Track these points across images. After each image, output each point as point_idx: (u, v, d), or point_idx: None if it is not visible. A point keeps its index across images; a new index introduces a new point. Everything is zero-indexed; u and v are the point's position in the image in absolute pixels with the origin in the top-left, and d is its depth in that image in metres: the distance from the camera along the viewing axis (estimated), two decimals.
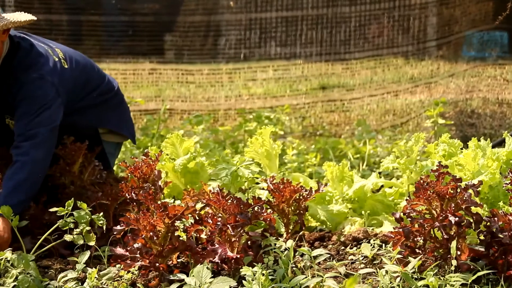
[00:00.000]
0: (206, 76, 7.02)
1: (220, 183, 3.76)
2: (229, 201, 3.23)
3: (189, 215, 3.17)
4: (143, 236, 3.09)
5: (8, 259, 3.05)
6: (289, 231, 3.64)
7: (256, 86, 7.14)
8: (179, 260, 3.29)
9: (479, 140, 3.98)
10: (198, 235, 3.45)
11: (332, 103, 7.14)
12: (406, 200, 3.18)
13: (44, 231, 3.38)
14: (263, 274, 2.92)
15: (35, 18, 3.89)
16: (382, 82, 7.14)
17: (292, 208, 3.61)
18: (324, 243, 3.68)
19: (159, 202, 3.18)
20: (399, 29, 7.00)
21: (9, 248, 3.25)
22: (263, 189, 3.76)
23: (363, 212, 4.11)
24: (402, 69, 7.17)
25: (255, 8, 7.01)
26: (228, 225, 3.16)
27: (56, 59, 4.01)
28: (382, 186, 4.24)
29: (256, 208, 3.23)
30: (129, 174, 3.71)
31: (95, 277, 2.99)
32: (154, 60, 7.07)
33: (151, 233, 3.08)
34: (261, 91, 7.07)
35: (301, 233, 3.71)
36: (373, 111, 7.12)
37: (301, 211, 3.62)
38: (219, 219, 3.22)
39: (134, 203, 3.55)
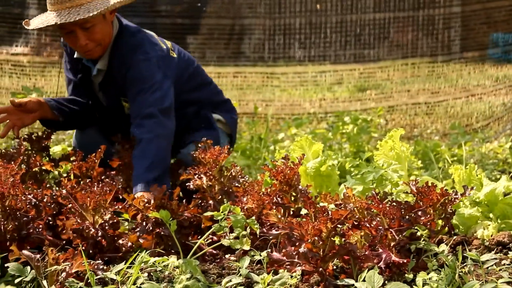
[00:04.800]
0: (291, 80, 6.99)
1: (360, 186, 3.71)
2: (388, 205, 3.19)
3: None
4: (309, 240, 3.04)
5: (176, 264, 3.02)
6: (433, 235, 3.58)
7: (342, 89, 7.10)
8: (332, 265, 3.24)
9: None
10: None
11: (417, 106, 7.09)
12: None
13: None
14: (436, 280, 2.87)
15: None
16: (467, 84, 7.08)
17: (438, 212, 3.54)
18: (468, 247, 3.62)
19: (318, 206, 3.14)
20: (486, 31, 6.94)
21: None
22: (406, 192, 3.70)
23: (491, 215, 4.04)
24: (488, 71, 7.10)
25: (342, 10, 6.98)
26: (391, 230, 3.11)
27: (164, 47, 4.19)
28: None
29: (419, 213, 3.18)
30: (269, 178, 3.67)
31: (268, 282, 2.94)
32: (239, 63, 7.06)
33: (315, 238, 3.04)
34: (346, 95, 7.03)
35: (439, 237, 3.65)
36: (457, 113, 7.06)
37: (448, 215, 3.56)
38: (378, 223, 3.17)
39: (279, 207, 3.51)
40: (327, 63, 7.10)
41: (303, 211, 3.63)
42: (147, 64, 4.03)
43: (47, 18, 3.88)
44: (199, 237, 3.45)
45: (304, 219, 3.11)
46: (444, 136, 7.13)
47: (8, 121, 4.08)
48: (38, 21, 3.92)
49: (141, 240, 3.36)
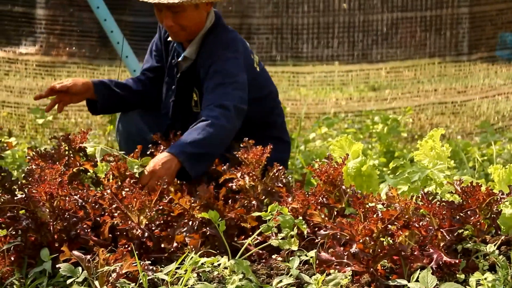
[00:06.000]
0: (317, 78, 6.99)
1: (404, 186, 3.70)
2: (437, 204, 3.17)
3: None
4: (361, 240, 3.02)
5: (227, 265, 3.01)
6: (480, 235, 3.55)
7: (368, 88, 7.09)
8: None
9: None
10: None
11: (443, 105, 7.08)
12: None
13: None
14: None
15: None
16: (494, 83, 7.07)
17: (483, 212, 3.52)
18: None
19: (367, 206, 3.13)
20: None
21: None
22: (451, 192, 3.68)
23: None
24: None
25: (369, 9, 6.98)
26: (442, 230, 3.09)
27: (252, 57, 4.16)
28: None
29: (469, 213, 3.17)
30: (315, 178, 3.65)
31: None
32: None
33: (366, 238, 3.02)
34: (372, 94, 7.02)
35: (483, 237, 3.62)
36: (483, 112, 7.04)
37: (493, 215, 3.53)
38: (428, 223, 3.16)
39: (323, 207, 3.49)
40: (352, 62, 7.09)
41: (347, 211, 3.61)
42: (234, 62, 4.00)
43: None
44: (243, 237, 3.44)
45: (351, 219, 3.10)
46: (467, 135, 7.11)
47: (54, 96, 4.17)
48: None
49: (187, 240, 3.35)
